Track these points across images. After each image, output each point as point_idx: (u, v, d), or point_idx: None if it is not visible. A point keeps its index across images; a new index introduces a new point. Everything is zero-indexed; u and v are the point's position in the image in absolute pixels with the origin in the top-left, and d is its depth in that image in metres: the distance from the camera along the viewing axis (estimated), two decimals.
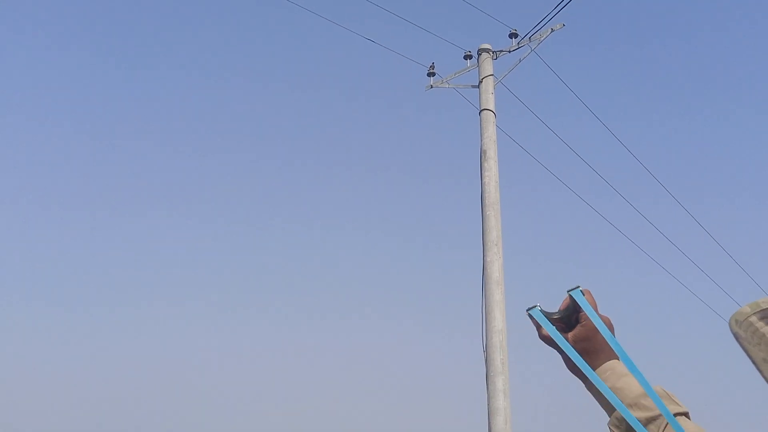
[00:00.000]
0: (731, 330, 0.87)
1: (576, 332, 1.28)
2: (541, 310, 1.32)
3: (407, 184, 28.60)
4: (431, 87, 10.33)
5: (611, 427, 1.22)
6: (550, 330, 1.28)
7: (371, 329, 25.75)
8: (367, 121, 28.87)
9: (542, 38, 9.58)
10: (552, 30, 9.55)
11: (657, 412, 1.15)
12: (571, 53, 26.34)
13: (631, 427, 1.16)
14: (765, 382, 0.85)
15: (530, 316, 1.32)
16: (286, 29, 29.27)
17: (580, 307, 1.28)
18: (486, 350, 8.20)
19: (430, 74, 10.30)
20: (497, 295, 8.38)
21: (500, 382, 8.00)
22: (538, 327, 1.31)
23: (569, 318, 1.32)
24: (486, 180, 8.98)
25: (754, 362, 0.86)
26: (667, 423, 1.14)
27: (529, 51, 9.68)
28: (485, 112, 9.39)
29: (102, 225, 26.13)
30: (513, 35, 9.81)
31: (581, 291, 1.27)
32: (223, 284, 26.19)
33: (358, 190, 28.32)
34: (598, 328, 1.24)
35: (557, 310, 1.33)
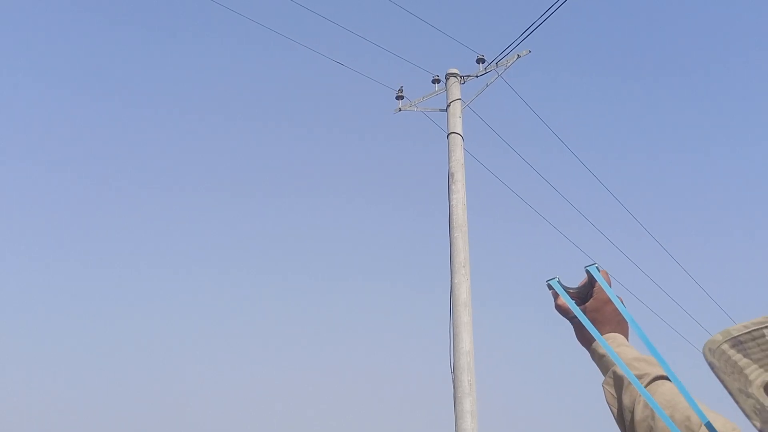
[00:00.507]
0: (706, 359, 0.90)
1: (589, 303, 1.46)
2: (559, 283, 1.46)
3: (375, 207, 28.64)
4: (399, 110, 10.43)
5: (605, 386, 1.40)
6: (567, 299, 1.44)
7: (338, 352, 25.62)
8: (335, 144, 28.91)
9: (509, 64, 9.75)
10: (518, 56, 9.72)
11: (643, 372, 1.35)
12: (537, 78, 26.71)
13: (620, 384, 1.36)
14: (742, 413, 0.87)
15: (549, 286, 1.47)
16: (253, 50, 29.26)
17: (594, 283, 1.45)
18: (453, 371, 8.22)
19: (399, 97, 10.40)
20: (465, 316, 8.42)
21: (468, 404, 8.02)
22: (555, 296, 1.48)
23: (585, 294, 1.48)
24: (453, 203, 9.06)
25: (730, 392, 0.89)
26: (650, 381, 1.34)
27: (496, 76, 9.83)
28: (453, 135, 9.49)
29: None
30: (480, 60, 9.96)
31: (597, 268, 1.43)
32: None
33: (325, 213, 28.27)
34: (611, 298, 1.40)
35: (575, 286, 1.49)
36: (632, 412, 1.33)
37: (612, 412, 1.38)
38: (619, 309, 1.40)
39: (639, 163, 30.33)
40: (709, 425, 1.17)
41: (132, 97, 27.96)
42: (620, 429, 1.37)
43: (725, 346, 0.90)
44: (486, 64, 9.89)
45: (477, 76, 9.94)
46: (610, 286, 1.42)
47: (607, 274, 1.44)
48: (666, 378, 1.34)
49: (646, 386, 1.34)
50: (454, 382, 8.18)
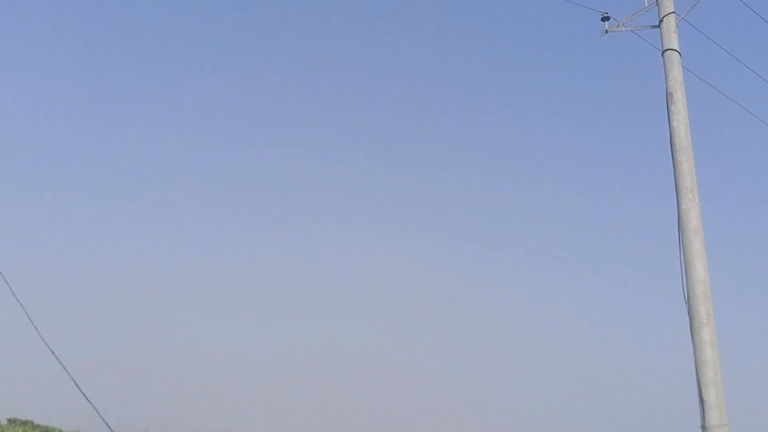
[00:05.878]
0: None
1: None
2: None
3: (590, 132, 27.70)
4: (606, 32, 9.92)
5: None
6: None
7: (566, 281, 25.31)
8: (543, 73, 28.19)
9: None
10: None
11: None
12: None
13: None
14: None
15: None
16: None
17: None
18: (688, 301, 7.87)
19: (605, 19, 9.89)
20: (696, 244, 8.00)
21: (706, 334, 7.68)
22: None
23: None
24: (675, 124, 8.56)
25: None
26: None
27: None
28: (669, 52, 8.90)
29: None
30: None
31: None
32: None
33: (538, 140, 27.76)
34: None
35: None
36: None
37: None
38: None
39: None
40: None
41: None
42: None
43: None
44: None
45: None
46: None
47: None
48: None
49: None
50: (689, 311, 7.83)
